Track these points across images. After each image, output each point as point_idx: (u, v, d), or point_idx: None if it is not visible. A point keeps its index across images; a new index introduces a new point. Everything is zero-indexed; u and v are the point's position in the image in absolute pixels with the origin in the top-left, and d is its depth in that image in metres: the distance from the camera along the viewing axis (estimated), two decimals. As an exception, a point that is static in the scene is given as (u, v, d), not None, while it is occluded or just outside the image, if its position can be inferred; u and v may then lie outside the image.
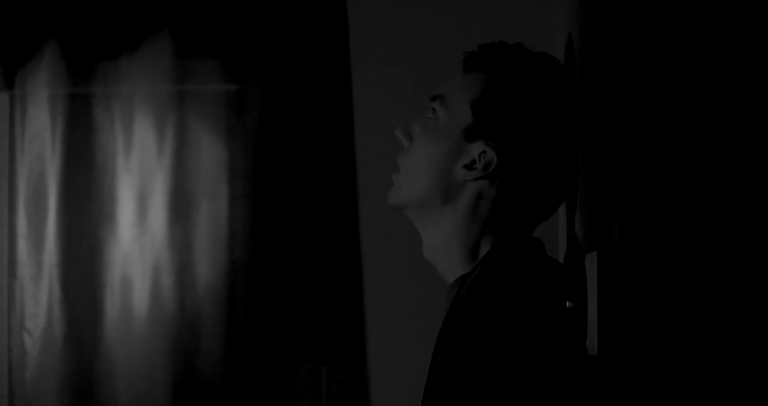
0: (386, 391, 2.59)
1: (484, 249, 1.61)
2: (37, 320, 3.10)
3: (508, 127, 1.58)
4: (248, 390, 3.03)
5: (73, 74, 3.13)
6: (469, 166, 1.58)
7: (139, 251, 3.09)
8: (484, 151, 1.57)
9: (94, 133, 3.12)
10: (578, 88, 1.68)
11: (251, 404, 3.02)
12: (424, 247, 1.67)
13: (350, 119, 2.98)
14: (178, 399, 3.06)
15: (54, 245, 3.11)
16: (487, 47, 1.66)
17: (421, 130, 1.65)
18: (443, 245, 1.63)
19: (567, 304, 1.45)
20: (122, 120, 3.11)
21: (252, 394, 3.02)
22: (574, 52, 1.81)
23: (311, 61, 3.03)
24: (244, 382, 3.03)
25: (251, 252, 3.05)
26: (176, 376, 3.06)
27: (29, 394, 3.10)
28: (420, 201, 1.63)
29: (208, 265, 3.07)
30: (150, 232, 3.09)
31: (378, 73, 2.93)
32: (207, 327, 3.07)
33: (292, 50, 3.03)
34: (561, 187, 1.66)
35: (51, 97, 3.13)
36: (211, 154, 3.09)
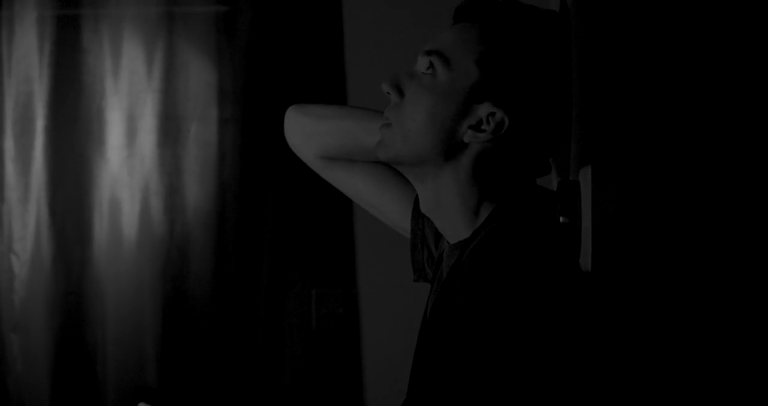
0: (376, 315, 2.60)
1: (484, 210, 1.58)
2: (25, 242, 3.10)
3: (517, 86, 1.54)
4: (237, 313, 3.04)
5: (61, -5, 3.10)
6: (476, 128, 1.54)
7: (128, 174, 3.08)
8: (492, 113, 1.53)
9: (83, 55, 3.10)
10: (572, 39, 1.65)
11: (240, 326, 3.03)
12: (421, 202, 1.63)
13: (340, 39, 2.96)
14: (167, 321, 3.06)
15: (42, 168, 3.09)
16: None
17: (417, 87, 1.58)
18: (443, 202, 1.59)
19: (560, 220, 1.44)
20: (111, 42, 3.09)
21: (241, 316, 3.03)
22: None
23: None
24: (233, 304, 3.04)
25: (241, 174, 3.05)
26: (165, 298, 3.07)
27: (17, 317, 3.10)
28: (418, 159, 1.58)
29: (197, 187, 3.07)
30: (139, 154, 3.08)
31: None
32: (196, 249, 3.07)
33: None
34: (558, 143, 1.64)
35: (39, 19, 3.10)
36: (200, 77, 3.07)
